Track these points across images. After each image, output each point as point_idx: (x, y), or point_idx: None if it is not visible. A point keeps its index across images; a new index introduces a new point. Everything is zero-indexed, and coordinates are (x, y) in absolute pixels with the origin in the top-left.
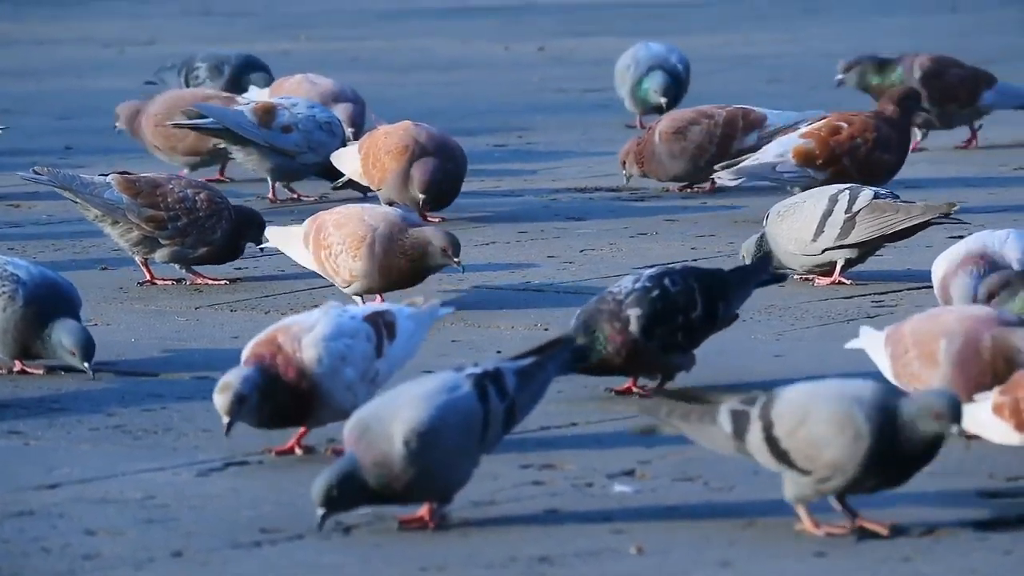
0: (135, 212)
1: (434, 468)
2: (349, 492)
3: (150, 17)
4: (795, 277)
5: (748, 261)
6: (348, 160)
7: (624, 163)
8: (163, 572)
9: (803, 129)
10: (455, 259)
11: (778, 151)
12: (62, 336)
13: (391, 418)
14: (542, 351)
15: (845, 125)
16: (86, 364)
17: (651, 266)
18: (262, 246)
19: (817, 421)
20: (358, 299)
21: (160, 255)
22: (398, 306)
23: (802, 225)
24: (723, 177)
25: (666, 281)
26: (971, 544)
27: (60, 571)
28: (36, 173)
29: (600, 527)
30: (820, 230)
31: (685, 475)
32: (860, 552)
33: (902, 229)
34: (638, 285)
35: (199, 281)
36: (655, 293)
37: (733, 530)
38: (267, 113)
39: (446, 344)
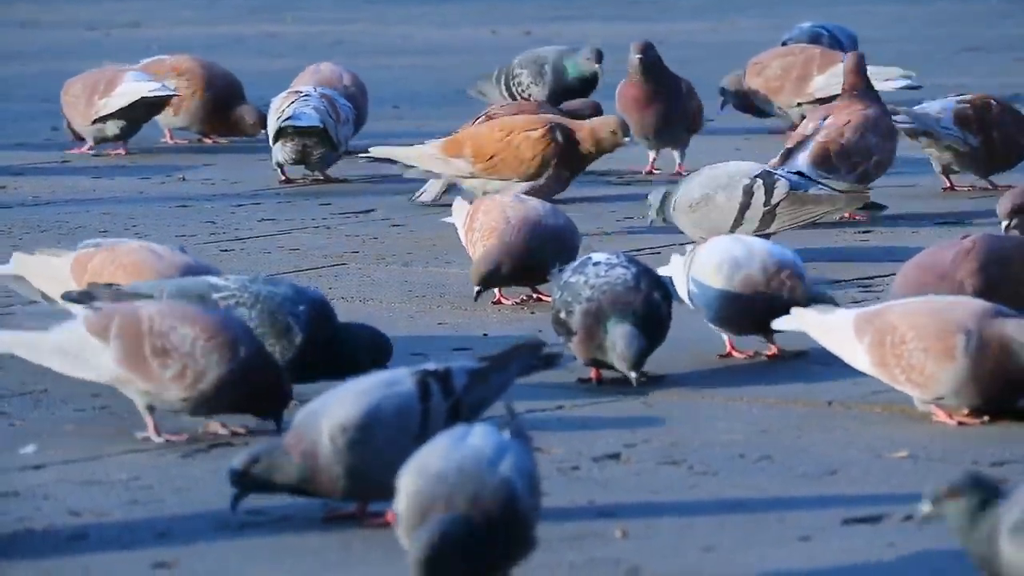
0: None
1: (363, 465)
2: (264, 475)
3: None
4: None
5: (654, 213)
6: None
7: None
8: (148, 554)
9: (958, 96)
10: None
11: (939, 107)
12: None
13: (323, 412)
14: (506, 356)
15: (994, 102)
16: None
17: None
18: (445, 220)
19: None
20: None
21: None
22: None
23: (718, 217)
24: (899, 120)
25: (650, 269)
26: None
27: (45, 552)
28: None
29: (585, 511)
30: (738, 223)
31: (670, 459)
32: (844, 537)
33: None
34: (637, 268)
35: None
36: (656, 277)
37: (717, 514)
38: None
39: (432, 326)
